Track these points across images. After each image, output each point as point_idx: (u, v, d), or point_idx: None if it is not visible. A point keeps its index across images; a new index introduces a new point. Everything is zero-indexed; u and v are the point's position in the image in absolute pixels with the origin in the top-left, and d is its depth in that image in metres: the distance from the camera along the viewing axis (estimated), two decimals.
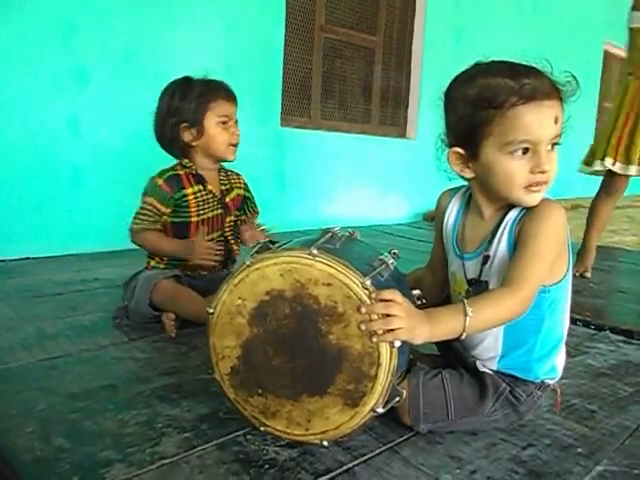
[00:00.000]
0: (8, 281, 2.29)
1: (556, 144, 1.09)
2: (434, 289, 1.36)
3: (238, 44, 3.42)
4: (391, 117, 4.81)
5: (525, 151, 1.06)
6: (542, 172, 1.07)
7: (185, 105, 1.81)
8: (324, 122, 4.22)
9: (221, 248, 1.93)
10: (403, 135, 4.85)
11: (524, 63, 1.09)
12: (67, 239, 2.83)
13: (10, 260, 2.63)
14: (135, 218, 1.83)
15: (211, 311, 1.09)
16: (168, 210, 1.83)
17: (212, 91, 1.85)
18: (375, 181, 4.44)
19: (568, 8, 6.48)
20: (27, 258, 2.69)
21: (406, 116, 4.87)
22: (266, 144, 3.69)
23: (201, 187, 1.88)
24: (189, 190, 1.85)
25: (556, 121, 1.06)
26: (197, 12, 3.19)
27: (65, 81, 2.75)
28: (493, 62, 1.12)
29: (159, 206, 1.81)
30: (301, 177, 3.96)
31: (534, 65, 1.08)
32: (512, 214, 1.14)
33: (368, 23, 4.46)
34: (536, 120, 1.04)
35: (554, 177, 1.10)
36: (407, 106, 4.86)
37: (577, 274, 2.71)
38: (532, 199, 1.10)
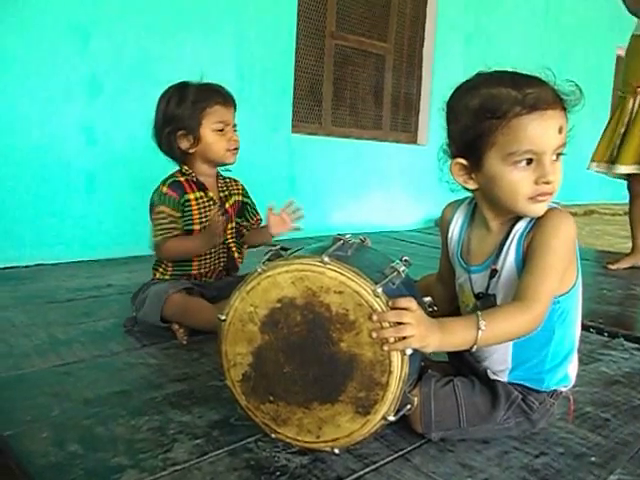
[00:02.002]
0: (22, 287, 2.32)
1: (560, 154, 1.08)
2: (444, 300, 1.36)
3: (250, 51, 3.44)
4: (402, 123, 4.81)
5: (529, 162, 1.05)
6: (547, 183, 1.05)
7: (181, 112, 1.79)
8: (335, 129, 4.23)
9: (224, 256, 1.93)
10: (414, 141, 4.84)
11: (527, 73, 1.08)
12: (80, 245, 2.86)
13: (23, 266, 2.66)
14: (154, 232, 1.80)
15: (223, 318, 1.10)
16: (179, 215, 1.82)
17: (208, 97, 1.82)
18: (386, 187, 4.44)
19: (580, 13, 6.45)
20: (40, 264, 2.71)
21: (417, 122, 4.87)
22: (277, 151, 3.70)
23: (202, 194, 1.87)
24: (191, 196, 1.84)
25: (560, 131, 1.05)
26: (209, 20, 3.22)
27: (79, 89, 2.78)
28: (495, 72, 1.10)
29: (172, 212, 1.80)
30: (312, 183, 3.96)
31: (537, 75, 1.07)
32: (519, 226, 1.13)
33: (379, 30, 4.47)
34: (540, 130, 1.03)
35: (559, 187, 1.08)
36: (418, 112, 4.86)
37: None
38: (537, 210, 1.09)
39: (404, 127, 4.82)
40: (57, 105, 2.73)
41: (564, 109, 1.07)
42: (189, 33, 3.13)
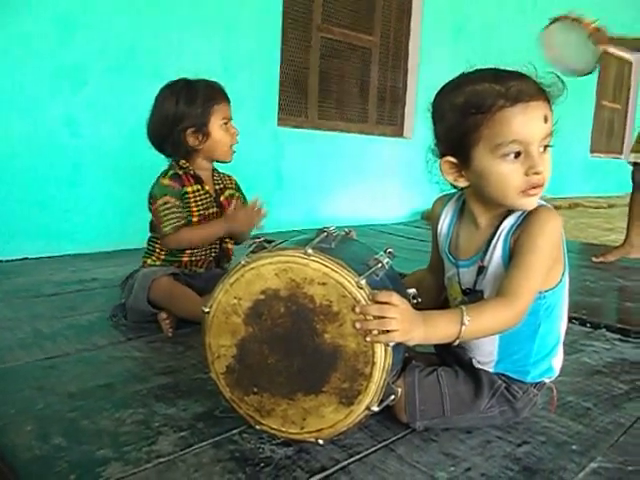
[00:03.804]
0: (6, 281, 2.30)
1: (548, 146, 1.08)
2: (433, 291, 1.37)
3: (235, 44, 3.43)
4: (388, 116, 4.81)
5: (517, 155, 1.06)
6: (537, 173, 1.06)
7: (191, 111, 1.83)
8: (321, 122, 4.23)
9: (216, 247, 1.96)
10: (400, 134, 4.85)
11: (508, 69, 1.09)
12: (65, 239, 2.84)
13: (8, 260, 2.64)
14: (164, 222, 1.81)
15: (207, 310, 1.10)
16: (182, 205, 1.85)
17: (215, 95, 1.89)
18: (373, 180, 4.45)
19: (567, 6, 6.46)
20: (25, 258, 2.69)
21: (403, 115, 4.88)
22: (263, 144, 3.69)
23: (199, 187, 1.90)
24: (189, 189, 1.87)
25: (545, 120, 1.06)
26: (195, 12, 3.20)
27: (63, 80, 2.76)
28: (477, 70, 1.12)
29: (176, 202, 1.83)
30: (298, 177, 3.96)
31: (518, 70, 1.09)
32: (507, 223, 1.14)
33: (365, 23, 4.47)
34: (524, 120, 1.04)
35: (549, 179, 1.09)
36: (404, 105, 4.86)
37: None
38: (528, 203, 1.10)
39: (390, 120, 4.83)
40: (41, 96, 2.70)
41: (547, 100, 1.08)
42: (175, 25, 3.11)
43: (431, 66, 4.69)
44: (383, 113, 4.77)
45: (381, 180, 4.52)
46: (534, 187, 1.07)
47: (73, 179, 2.85)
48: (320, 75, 4.20)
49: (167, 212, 1.82)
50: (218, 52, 3.33)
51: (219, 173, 2.03)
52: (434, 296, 1.36)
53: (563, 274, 1.17)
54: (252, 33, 3.53)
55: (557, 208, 1.15)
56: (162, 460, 1.05)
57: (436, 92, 1.16)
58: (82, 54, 2.79)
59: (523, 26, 5.71)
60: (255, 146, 3.59)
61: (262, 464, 1.06)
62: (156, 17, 3.03)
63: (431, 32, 4.79)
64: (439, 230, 1.29)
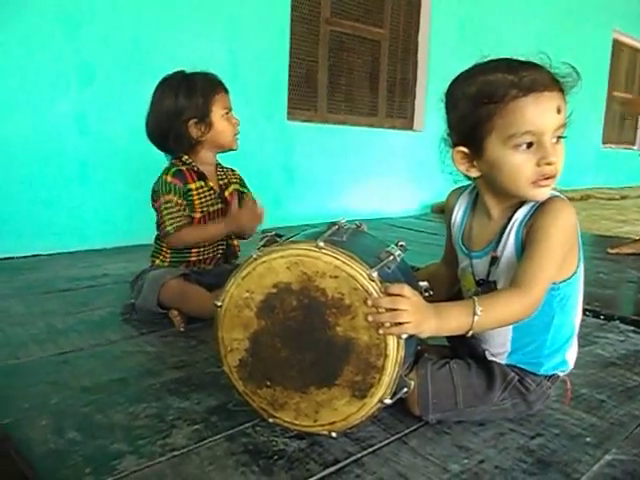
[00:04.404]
0: (19, 277, 2.32)
1: (561, 137, 1.07)
2: (447, 283, 1.37)
3: (243, 38, 3.42)
4: (398, 109, 4.79)
5: (529, 145, 1.05)
6: (549, 164, 1.05)
7: (192, 102, 1.83)
8: (330, 115, 4.22)
9: (223, 244, 1.96)
10: (410, 127, 4.83)
11: (522, 59, 1.08)
12: (76, 235, 2.85)
13: (20, 257, 2.66)
14: (166, 222, 1.81)
15: (219, 304, 1.10)
16: (185, 203, 1.85)
17: (214, 85, 1.89)
18: (383, 174, 4.43)
19: None
20: (37, 255, 2.71)
21: (413, 108, 4.86)
22: (272, 138, 3.69)
23: (202, 183, 1.90)
24: (192, 185, 1.87)
25: (559, 111, 1.05)
26: (202, 6, 3.19)
27: (71, 77, 2.76)
28: (491, 60, 1.11)
29: (179, 200, 1.83)
30: (309, 171, 3.96)
31: (532, 60, 1.08)
32: (519, 214, 1.13)
33: (374, 15, 4.44)
34: (537, 111, 1.03)
35: (561, 170, 1.08)
36: (414, 98, 4.84)
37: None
38: (539, 194, 1.09)
39: (400, 113, 4.81)
40: (49, 94, 2.71)
41: (562, 91, 1.07)
42: (183, 20, 3.10)
43: (441, 58, 4.67)
44: (393, 106, 4.75)
45: (391, 173, 4.51)
46: (546, 178, 1.06)
47: (83, 175, 2.86)
48: (329, 69, 4.18)
49: (169, 211, 1.82)
50: (226, 46, 3.33)
51: (223, 168, 2.02)
52: (448, 289, 1.36)
53: (578, 266, 1.16)
54: (260, 27, 3.51)
55: (569, 200, 1.14)
56: (176, 453, 1.06)
57: (450, 82, 1.16)
58: (89, 51, 2.79)
59: (532, 16, 5.68)
60: (264, 141, 3.59)
61: (275, 457, 1.06)
62: (163, 13, 3.03)
63: (441, 24, 4.76)
64: (453, 221, 1.29)
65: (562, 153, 1.08)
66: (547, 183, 1.07)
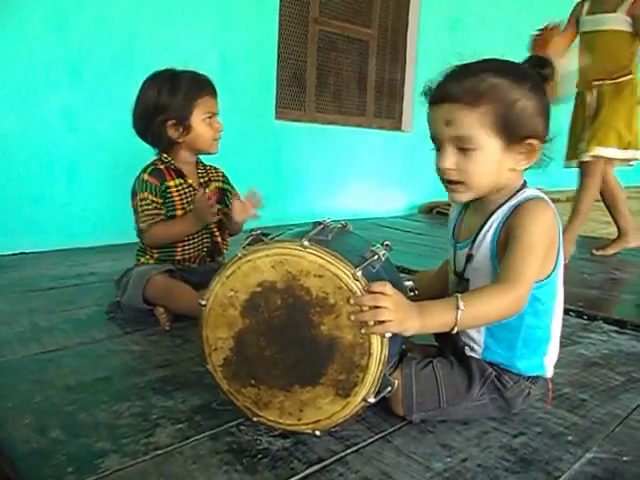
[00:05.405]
0: (3, 276, 2.30)
1: (466, 149, 1.10)
2: (438, 285, 1.40)
3: (232, 37, 3.42)
4: (386, 110, 4.80)
5: (438, 149, 1.14)
6: (438, 169, 1.14)
7: (173, 102, 1.80)
8: (319, 115, 4.22)
9: (207, 242, 1.94)
10: (398, 127, 4.84)
11: (472, 62, 1.13)
12: (62, 233, 2.84)
13: (5, 255, 2.64)
14: (140, 218, 1.81)
15: (203, 303, 1.10)
16: (161, 201, 1.83)
17: (199, 87, 1.84)
18: (370, 174, 4.44)
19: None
20: (22, 253, 2.69)
21: (401, 108, 4.87)
22: (261, 137, 3.68)
23: (181, 180, 1.88)
24: (171, 183, 1.86)
25: (447, 123, 1.10)
26: (192, 5, 3.18)
27: (59, 74, 2.75)
28: (475, 61, 1.14)
29: (155, 198, 1.82)
30: (296, 170, 3.95)
31: (471, 65, 1.12)
32: (499, 213, 1.15)
33: (362, 15, 4.45)
34: (431, 120, 1.15)
35: (475, 179, 1.12)
36: (402, 98, 4.85)
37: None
38: (449, 196, 1.18)
39: (388, 113, 4.82)
40: (37, 91, 2.69)
41: (466, 103, 1.08)
42: (172, 19, 3.09)
43: (429, 58, 4.67)
44: (381, 106, 4.76)
45: (379, 173, 4.52)
46: (449, 182, 1.14)
47: (70, 173, 2.85)
48: (318, 68, 4.19)
49: (144, 208, 1.81)
50: (214, 46, 3.32)
51: (204, 165, 2.01)
52: (438, 289, 1.37)
53: (553, 270, 1.16)
54: (249, 26, 3.51)
55: (554, 201, 1.16)
56: (160, 452, 1.06)
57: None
58: (78, 48, 2.77)
59: (519, 18, 5.70)
60: (253, 140, 3.58)
61: (259, 456, 1.06)
62: (152, 11, 3.02)
63: (429, 24, 4.77)
64: (450, 215, 1.34)
65: (473, 163, 1.11)
66: (452, 188, 1.15)
